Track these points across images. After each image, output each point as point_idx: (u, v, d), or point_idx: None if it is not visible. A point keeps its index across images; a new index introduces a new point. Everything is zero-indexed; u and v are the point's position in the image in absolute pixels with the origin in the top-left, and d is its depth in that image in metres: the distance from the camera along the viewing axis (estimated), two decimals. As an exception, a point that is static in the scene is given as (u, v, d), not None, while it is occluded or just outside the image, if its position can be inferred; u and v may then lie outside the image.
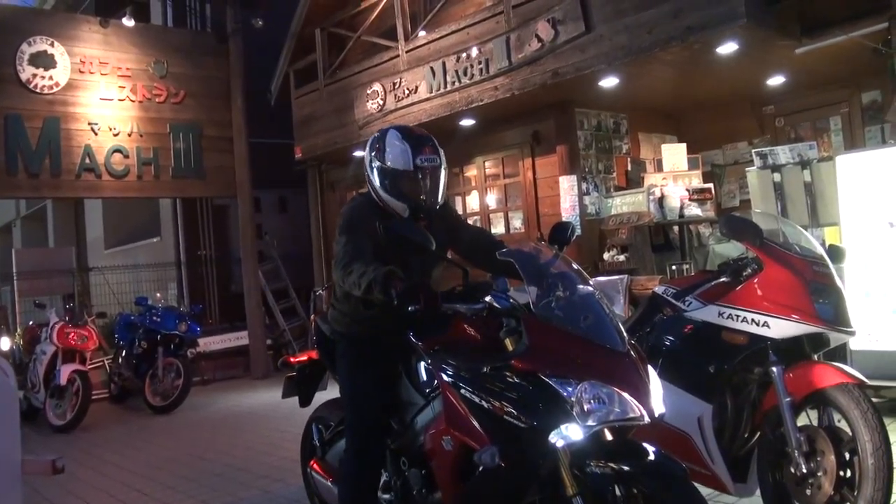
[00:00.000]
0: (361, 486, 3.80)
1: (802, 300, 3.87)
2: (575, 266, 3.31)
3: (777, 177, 8.04)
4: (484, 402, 3.08)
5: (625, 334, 3.04)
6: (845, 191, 6.86)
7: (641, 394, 2.84)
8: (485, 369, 3.10)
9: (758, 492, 4.04)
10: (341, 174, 14.37)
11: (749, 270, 4.09)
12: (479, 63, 10.22)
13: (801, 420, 3.91)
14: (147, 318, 11.00)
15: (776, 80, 10.02)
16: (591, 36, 8.95)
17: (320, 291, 13.90)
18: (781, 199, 7.97)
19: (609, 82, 9.53)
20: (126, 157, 12.58)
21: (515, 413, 2.95)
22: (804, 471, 3.75)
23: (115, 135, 12.49)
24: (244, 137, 13.70)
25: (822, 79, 9.91)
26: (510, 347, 3.06)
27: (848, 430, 3.72)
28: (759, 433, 4.06)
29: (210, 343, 13.37)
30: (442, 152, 3.80)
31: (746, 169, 8.70)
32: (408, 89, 11.38)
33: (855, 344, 6.17)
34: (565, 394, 2.80)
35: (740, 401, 4.13)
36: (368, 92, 12.07)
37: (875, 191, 6.65)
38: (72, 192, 13.07)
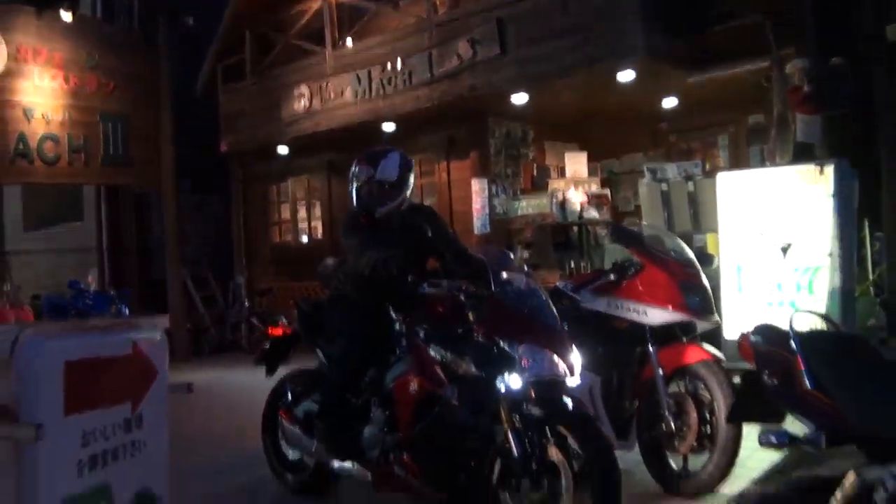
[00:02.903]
0: (342, 398, 4.68)
1: (674, 294, 4.88)
2: (525, 268, 4.41)
3: (665, 187, 9.02)
4: (448, 355, 4.09)
5: (558, 316, 4.05)
6: (724, 204, 7.88)
7: (567, 360, 3.86)
8: (459, 331, 4.08)
9: (637, 447, 5.01)
10: (265, 168, 14.73)
11: (633, 270, 5.06)
12: (403, 74, 11.01)
13: (672, 389, 4.89)
14: (80, 302, 11.33)
15: (670, 102, 10.85)
16: (506, 58, 9.87)
17: (240, 280, 14.48)
18: (668, 208, 8.95)
19: (519, 98, 10.36)
20: (57, 143, 12.77)
21: (473, 364, 3.95)
22: (673, 428, 4.73)
23: (48, 122, 12.68)
24: (170, 125, 13.90)
25: (712, 102, 10.59)
26: (471, 319, 4.02)
27: (708, 395, 4.72)
28: (638, 400, 5.02)
29: (133, 327, 13.58)
30: (384, 167, 4.58)
31: (639, 181, 9.63)
32: (334, 93, 12.03)
33: (728, 334, 7.06)
34: (511, 352, 3.78)
35: (623, 374, 5.08)
36: (295, 93, 12.66)
37: (749, 205, 7.69)
38: (6, 178, 13.35)
